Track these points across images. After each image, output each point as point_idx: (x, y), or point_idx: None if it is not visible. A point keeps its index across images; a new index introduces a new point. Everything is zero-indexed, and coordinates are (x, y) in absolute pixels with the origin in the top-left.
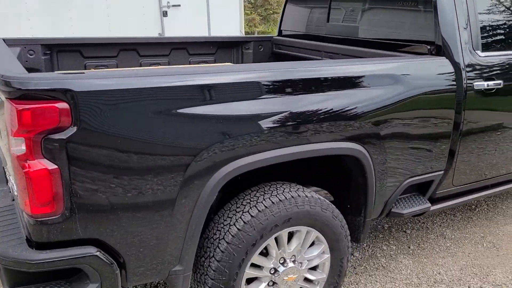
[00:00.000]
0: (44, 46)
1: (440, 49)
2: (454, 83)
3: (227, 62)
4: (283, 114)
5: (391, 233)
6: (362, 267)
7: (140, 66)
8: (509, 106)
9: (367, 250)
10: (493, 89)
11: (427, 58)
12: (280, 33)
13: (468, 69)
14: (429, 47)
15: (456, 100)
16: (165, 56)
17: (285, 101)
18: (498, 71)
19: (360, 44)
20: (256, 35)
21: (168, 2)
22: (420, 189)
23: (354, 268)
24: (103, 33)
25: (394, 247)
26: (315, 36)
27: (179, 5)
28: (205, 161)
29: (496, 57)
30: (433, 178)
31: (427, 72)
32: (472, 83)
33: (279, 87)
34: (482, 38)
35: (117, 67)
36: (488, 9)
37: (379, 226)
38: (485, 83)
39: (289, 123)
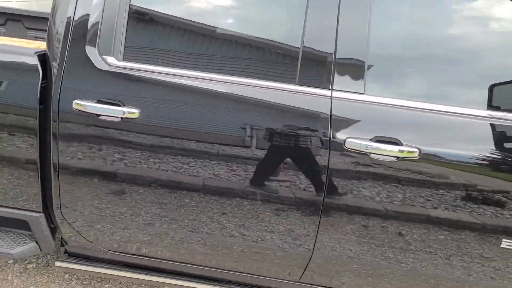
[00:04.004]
0: None
1: None
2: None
3: None
4: None
5: None
6: None
7: None
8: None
9: None
10: (125, 119)
11: None
12: None
13: (70, 80)
14: None
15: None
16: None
17: None
18: (131, 96)
19: None
20: None
21: None
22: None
23: None
24: None
25: None
26: None
27: None
28: None
29: (142, 72)
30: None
31: None
32: (71, 102)
33: None
34: (128, 36)
35: None
36: None
37: None
38: (106, 106)
39: None
